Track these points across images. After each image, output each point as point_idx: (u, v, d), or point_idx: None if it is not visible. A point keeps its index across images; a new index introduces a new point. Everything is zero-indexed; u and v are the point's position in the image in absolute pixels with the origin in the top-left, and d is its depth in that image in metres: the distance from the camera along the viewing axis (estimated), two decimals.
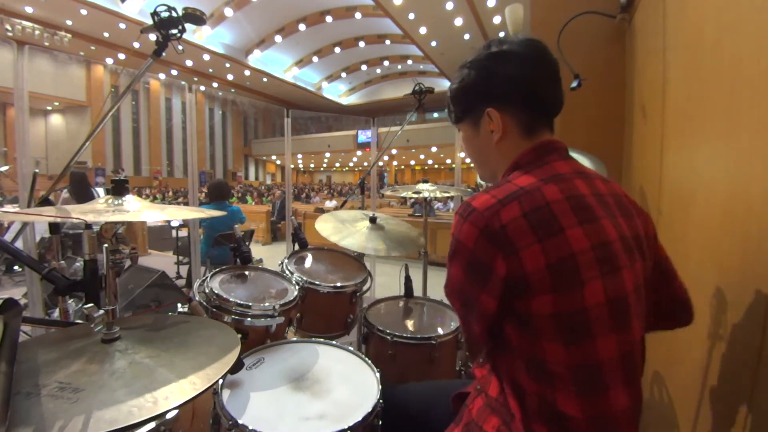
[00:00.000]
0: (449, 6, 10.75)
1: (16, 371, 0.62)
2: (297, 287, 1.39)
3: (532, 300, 0.64)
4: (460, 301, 0.72)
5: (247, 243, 1.58)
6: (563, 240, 0.63)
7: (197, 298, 1.19)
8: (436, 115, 20.21)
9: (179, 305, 1.11)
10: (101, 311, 0.71)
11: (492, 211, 0.66)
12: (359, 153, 21.15)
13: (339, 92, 22.65)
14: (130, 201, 0.82)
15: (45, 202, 1.23)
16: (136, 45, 12.99)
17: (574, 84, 1.68)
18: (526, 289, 0.63)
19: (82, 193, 4.22)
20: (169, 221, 5.55)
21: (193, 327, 0.84)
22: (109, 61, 14.87)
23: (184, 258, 5.12)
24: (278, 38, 15.58)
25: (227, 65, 16.54)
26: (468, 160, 0.97)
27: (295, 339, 1.24)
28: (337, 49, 17.29)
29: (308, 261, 1.73)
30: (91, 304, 0.70)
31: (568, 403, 0.63)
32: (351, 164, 24.94)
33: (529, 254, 0.62)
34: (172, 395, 0.61)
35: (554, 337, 0.64)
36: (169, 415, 0.59)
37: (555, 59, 0.77)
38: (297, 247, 1.81)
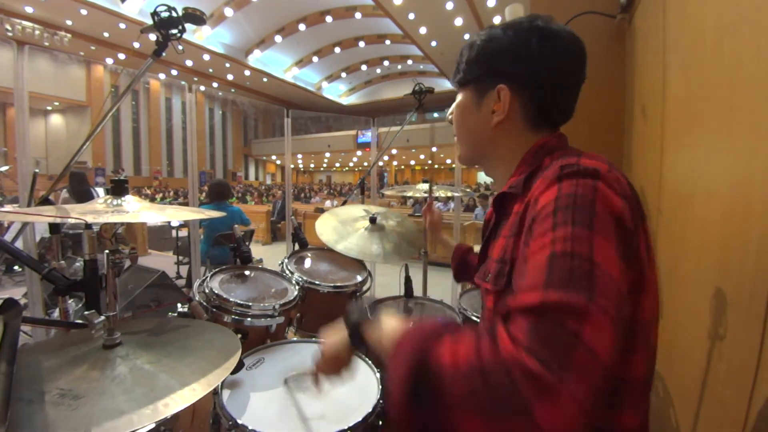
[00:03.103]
0: (449, 6, 10.75)
1: (18, 377, 0.62)
2: (297, 287, 1.39)
3: (642, 299, 0.53)
4: (617, 292, 0.42)
5: (247, 243, 1.58)
6: (647, 228, 0.56)
7: (197, 298, 1.19)
8: (436, 115, 20.20)
9: (179, 305, 1.11)
10: (102, 317, 0.71)
11: (614, 176, 0.51)
12: (359, 153, 21.16)
13: (339, 92, 22.65)
14: (130, 201, 0.82)
15: (45, 202, 1.23)
16: (136, 45, 12.99)
17: None
18: (639, 282, 0.53)
19: (82, 193, 4.22)
20: (169, 221, 5.56)
21: (193, 331, 0.84)
22: (109, 61, 14.88)
23: (184, 258, 5.12)
24: (278, 38, 15.58)
25: (227, 65, 16.54)
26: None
27: (295, 339, 1.25)
28: (337, 49, 17.29)
29: (308, 261, 1.73)
30: (92, 311, 0.70)
31: (630, 419, 0.56)
32: (351, 164, 24.94)
33: (647, 237, 0.52)
34: (172, 402, 0.61)
35: (644, 345, 0.55)
36: (169, 415, 0.59)
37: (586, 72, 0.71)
38: (297, 247, 1.81)
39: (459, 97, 0.75)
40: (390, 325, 0.58)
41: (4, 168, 5.27)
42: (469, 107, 0.72)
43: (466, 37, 12.93)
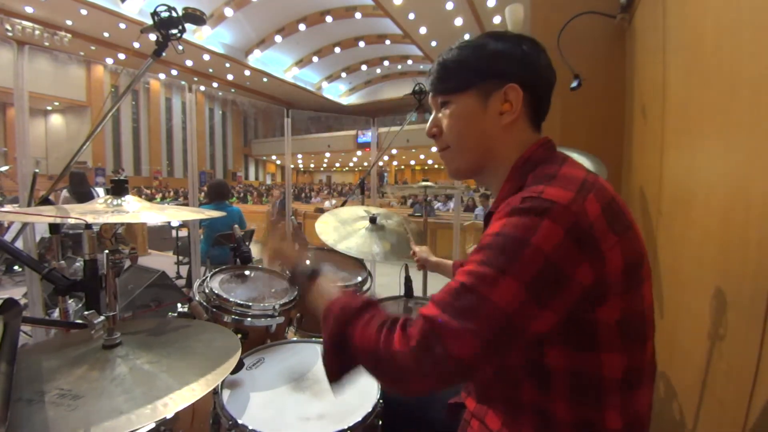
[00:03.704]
0: (449, 6, 10.74)
1: (18, 377, 0.61)
2: (297, 287, 1.39)
3: (601, 308, 0.56)
4: (499, 325, 0.52)
5: (247, 243, 1.58)
6: (633, 237, 0.58)
7: (197, 298, 1.19)
8: None
9: (179, 305, 1.11)
10: (101, 317, 0.71)
11: (578, 206, 0.54)
12: (359, 153, 21.14)
13: (339, 92, 22.64)
14: (130, 201, 0.82)
15: (45, 202, 1.23)
16: (136, 45, 12.98)
17: (574, 84, 1.68)
18: (600, 296, 0.55)
19: (82, 193, 4.22)
20: (169, 221, 5.56)
21: (193, 331, 0.84)
22: (109, 61, 14.86)
23: (184, 258, 5.11)
24: (278, 38, 15.57)
25: (227, 65, 16.52)
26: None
27: (295, 339, 1.25)
28: (337, 49, 17.27)
29: (308, 261, 1.72)
30: (92, 311, 0.70)
31: (612, 417, 0.58)
32: (351, 164, 24.93)
33: (611, 255, 0.54)
34: (172, 402, 0.61)
35: (616, 345, 0.57)
36: (168, 415, 0.59)
37: None
38: (297, 247, 1.81)
39: (453, 106, 0.72)
40: (327, 289, 0.74)
41: (4, 168, 5.27)
42: (474, 112, 0.70)
43: (466, 37, 12.90)
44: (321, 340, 1.17)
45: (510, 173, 0.69)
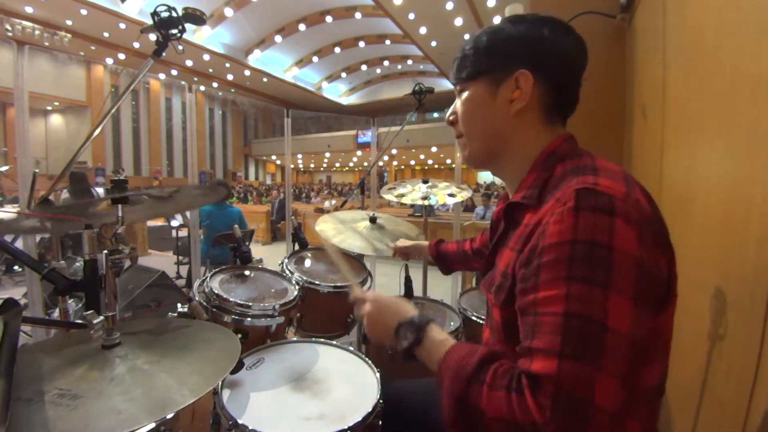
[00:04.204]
0: (449, 6, 10.75)
1: (19, 377, 0.61)
2: (297, 287, 1.39)
3: (664, 313, 0.54)
4: (631, 356, 0.47)
5: (247, 243, 1.58)
6: (670, 240, 0.56)
7: (197, 298, 1.19)
8: (436, 115, 20.19)
9: (179, 305, 1.11)
10: (101, 317, 0.71)
11: (633, 199, 0.51)
12: (359, 153, 21.15)
13: (339, 92, 22.64)
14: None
15: (45, 202, 1.23)
16: (136, 45, 12.98)
17: None
18: (666, 298, 0.54)
19: (83, 193, 4.22)
20: (169, 221, 5.56)
21: (193, 331, 0.84)
22: (109, 61, 14.86)
23: (184, 258, 5.12)
24: (278, 38, 15.57)
25: (227, 65, 16.52)
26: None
27: (295, 339, 1.24)
28: (337, 49, 17.28)
29: (308, 261, 1.73)
30: (91, 311, 0.70)
31: (633, 428, 0.56)
32: (351, 164, 24.93)
33: (672, 252, 0.53)
34: (171, 402, 0.61)
35: (660, 354, 0.56)
36: (168, 415, 0.59)
37: None
38: (297, 247, 1.81)
39: (466, 93, 0.71)
40: (436, 345, 0.61)
41: (4, 168, 5.28)
42: (484, 99, 0.69)
43: (466, 37, 12.86)
44: (321, 340, 1.15)
45: (534, 164, 0.67)
